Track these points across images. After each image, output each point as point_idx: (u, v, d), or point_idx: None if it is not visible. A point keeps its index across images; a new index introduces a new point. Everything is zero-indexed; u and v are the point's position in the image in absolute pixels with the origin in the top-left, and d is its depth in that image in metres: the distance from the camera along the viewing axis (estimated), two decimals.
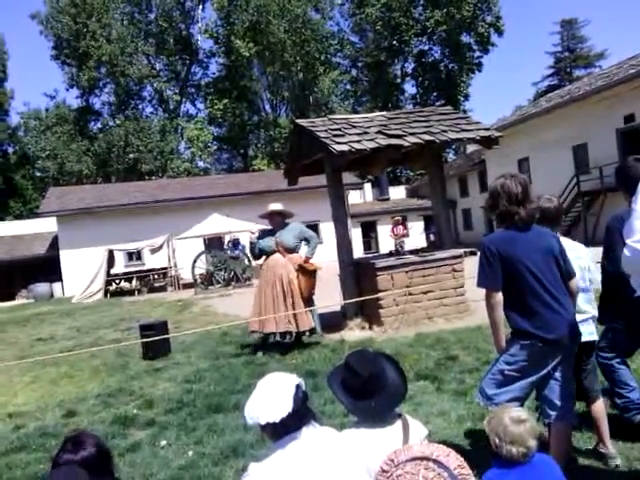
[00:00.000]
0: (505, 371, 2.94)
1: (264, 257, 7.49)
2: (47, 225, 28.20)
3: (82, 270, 23.30)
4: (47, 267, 26.34)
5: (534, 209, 2.98)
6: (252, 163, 44.26)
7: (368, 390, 2.24)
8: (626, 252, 2.23)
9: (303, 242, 7.55)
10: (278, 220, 7.44)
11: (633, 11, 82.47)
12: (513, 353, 2.94)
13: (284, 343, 7.26)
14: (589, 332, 3.36)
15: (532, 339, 2.87)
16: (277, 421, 1.97)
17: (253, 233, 7.47)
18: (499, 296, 2.92)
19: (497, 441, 2.18)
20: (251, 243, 7.40)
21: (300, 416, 2.03)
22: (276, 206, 7.46)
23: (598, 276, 3.54)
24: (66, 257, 25.82)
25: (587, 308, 3.40)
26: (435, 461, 1.86)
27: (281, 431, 2.01)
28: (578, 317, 3.20)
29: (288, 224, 7.49)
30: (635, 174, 3.45)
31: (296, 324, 7.21)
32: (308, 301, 7.37)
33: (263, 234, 7.58)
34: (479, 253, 3.00)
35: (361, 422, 2.26)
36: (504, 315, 2.97)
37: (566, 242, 3.37)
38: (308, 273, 7.34)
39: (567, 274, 3.04)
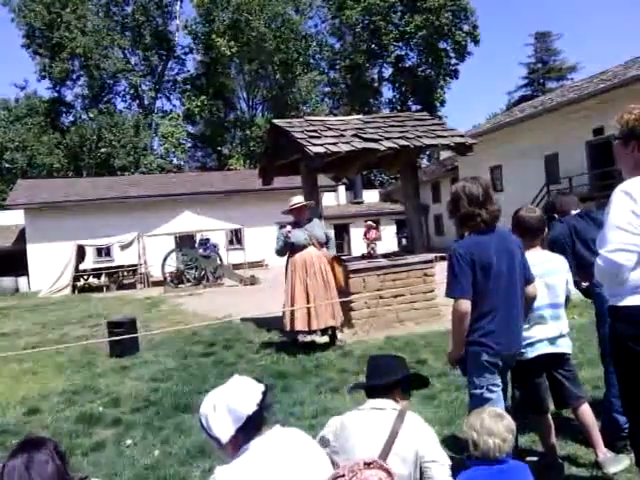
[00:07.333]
0: (480, 395, 2.91)
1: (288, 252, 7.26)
2: (14, 218, 27.55)
3: (50, 265, 22.80)
4: (13, 261, 25.72)
5: (496, 210, 2.94)
6: (227, 162, 43.95)
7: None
8: (599, 262, 2.26)
9: None
10: (307, 214, 7.28)
11: (604, 26, 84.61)
12: (473, 371, 2.94)
13: (311, 343, 7.29)
14: (566, 345, 3.34)
15: (483, 347, 2.88)
16: (227, 441, 1.98)
17: (283, 226, 7.21)
18: (469, 306, 2.85)
19: (475, 435, 2.20)
20: (286, 237, 7.06)
21: (257, 424, 2.01)
22: (301, 199, 7.33)
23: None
24: (33, 251, 25.28)
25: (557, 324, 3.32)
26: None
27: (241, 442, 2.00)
28: (555, 330, 3.23)
29: (312, 218, 7.34)
30: (559, 209, 3.92)
31: (336, 317, 7.22)
32: (340, 293, 7.41)
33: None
34: (449, 260, 2.92)
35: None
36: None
37: (542, 255, 3.34)
38: (340, 265, 7.52)
39: (526, 279, 3.03)
